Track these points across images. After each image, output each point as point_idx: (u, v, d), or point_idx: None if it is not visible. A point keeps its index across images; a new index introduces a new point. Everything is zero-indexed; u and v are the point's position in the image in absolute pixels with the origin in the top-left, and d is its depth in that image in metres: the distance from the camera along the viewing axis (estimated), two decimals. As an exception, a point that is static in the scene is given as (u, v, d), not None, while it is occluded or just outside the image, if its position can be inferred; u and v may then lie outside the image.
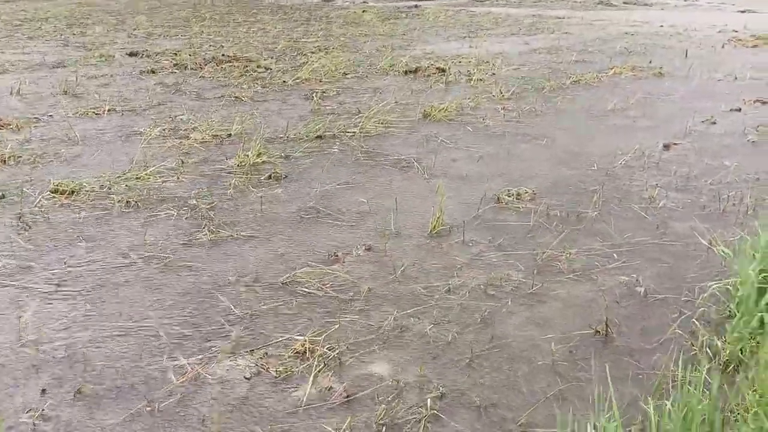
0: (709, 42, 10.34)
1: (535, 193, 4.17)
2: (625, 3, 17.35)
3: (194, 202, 4.04)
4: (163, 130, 5.59)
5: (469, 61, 8.73)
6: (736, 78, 7.57)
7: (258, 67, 8.43)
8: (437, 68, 8.15)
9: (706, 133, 5.50)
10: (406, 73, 8.05)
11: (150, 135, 5.41)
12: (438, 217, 3.66)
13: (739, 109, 6.22)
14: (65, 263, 3.29)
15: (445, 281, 3.11)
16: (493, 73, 7.99)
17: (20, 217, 3.82)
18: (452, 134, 5.50)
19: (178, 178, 4.47)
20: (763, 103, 6.41)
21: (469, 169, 4.69)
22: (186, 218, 3.82)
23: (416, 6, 17.57)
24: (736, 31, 11.30)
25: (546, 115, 6.14)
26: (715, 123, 5.77)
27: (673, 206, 3.97)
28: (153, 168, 4.59)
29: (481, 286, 3.06)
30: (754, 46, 9.85)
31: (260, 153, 4.88)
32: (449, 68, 8.15)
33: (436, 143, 5.26)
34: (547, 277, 3.14)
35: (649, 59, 8.82)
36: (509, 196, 4.11)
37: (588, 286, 3.05)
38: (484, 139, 5.39)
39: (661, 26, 12.32)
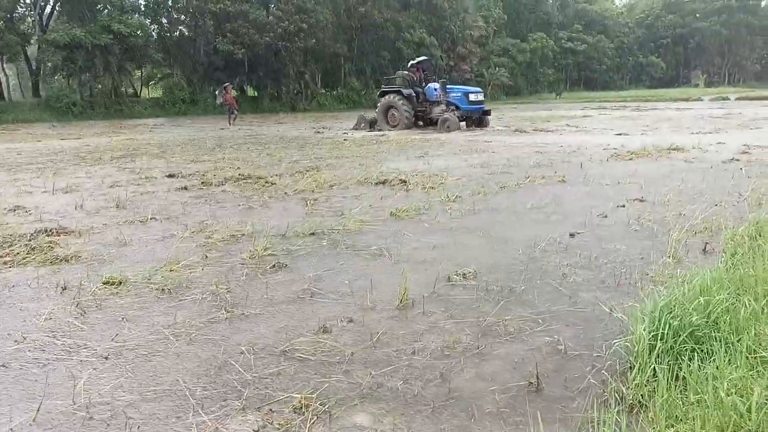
0: (597, 157, 10.66)
1: (476, 273, 4.13)
2: (534, 130, 17.97)
3: (214, 287, 3.93)
4: (192, 232, 5.51)
5: (423, 174, 8.86)
6: (619, 183, 7.73)
7: (266, 182, 8.46)
8: (400, 180, 8.24)
9: (601, 224, 5.55)
10: (376, 184, 8.14)
11: (182, 236, 5.34)
12: (403, 294, 3.61)
13: (624, 206, 6.28)
14: (112, 340, 3.15)
15: (411, 345, 3.02)
16: (442, 183, 8.10)
17: (78, 304, 3.68)
18: (413, 229, 5.50)
19: (202, 269, 4.37)
20: (641, 201, 6.51)
21: (426, 255, 4.67)
22: (208, 301, 3.71)
23: (383, 134, 18.04)
24: (616, 149, 11.66)
25: (482, 213, 6.19)
26: (606, 217, 5.82)
27: (581, 281, 3.95)
28: (183, 262, 4.49)
29: (439, 348, 2.97)
30: (630, 159, 10.17)
31: (267, 248, 4.82)
32: (409, 180, 8.25)
33: (400, 236, 5.25)
34: (489, 339, 3.07)
35: (555, 170, 9.00)
36: (457, 276, 4.07)
37: (521, 346, 2.98)
38: (436, 232, 5.40)
39: (561, 146, 12.71)
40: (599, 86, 70.78)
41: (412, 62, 21.70)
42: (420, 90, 20.32)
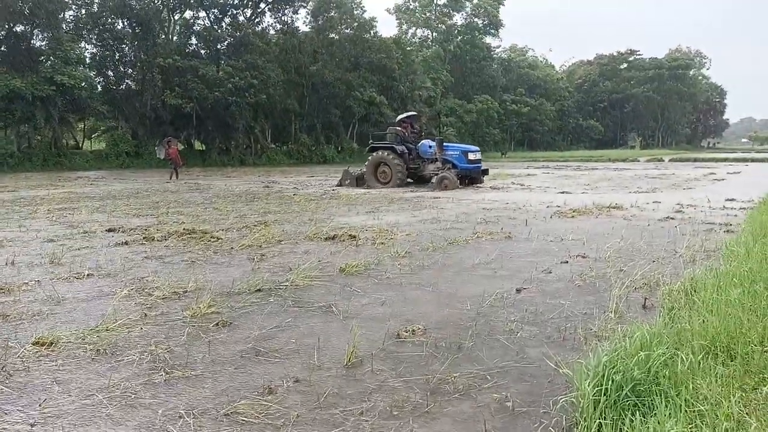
0: (541, 214, 11.04)
1: (425, 329, 4.14)
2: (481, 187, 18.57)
3: (153, 348, 3.77)
4: (132, 289, 5.31)
5: (373, 230, 8.92)
6: (562, 240, 8.00)
7: (211, 237, 8.30)
8: (350, 235, 8.26)
9: (545, 279, 5.71)
10: (326, 239, 8.12)
11: (120, 294, 5.12)
12: (352, 351, 3.57)
13: (567, 262, 6.49)
14: (40, 405, 2.96)
15: (359, 405, 2.97)
16: (391, 238, 8.16)
17: (3, 367, 3.44)
18: (362, 285, 5.49)
19: (141, 328, 4.20)
20: (583, 257, 6.75)
21: (375, 311, 4.65)
22: (146, 362, 3.55)
23: (333, 190, 18.16)
24: (559, 207, 12.11)
25: (431, 268, 6.26)
26: (551, 272, 5.99)
27: (528, 336, 4.03)
28: (121, 321, 4.31)
29: (388, 408, 2.94)
30: (572, 217, 10.58)
31: (210, 305, 4.69)
32: (358, 235, 8.28)
33: (349, 292, 5.23)
34: (438, 397, 3.06)
35: (501, 227, 9.23)
36: (406, 332, 4.07)
37: (470, 404, 2.98)
38: (386, 287, 5.41)
39: (507, 203, 13.10)
40: (542, 146, 74.23)
41: (400, 117, 20.90)
42: (412, 146, 19.57)
